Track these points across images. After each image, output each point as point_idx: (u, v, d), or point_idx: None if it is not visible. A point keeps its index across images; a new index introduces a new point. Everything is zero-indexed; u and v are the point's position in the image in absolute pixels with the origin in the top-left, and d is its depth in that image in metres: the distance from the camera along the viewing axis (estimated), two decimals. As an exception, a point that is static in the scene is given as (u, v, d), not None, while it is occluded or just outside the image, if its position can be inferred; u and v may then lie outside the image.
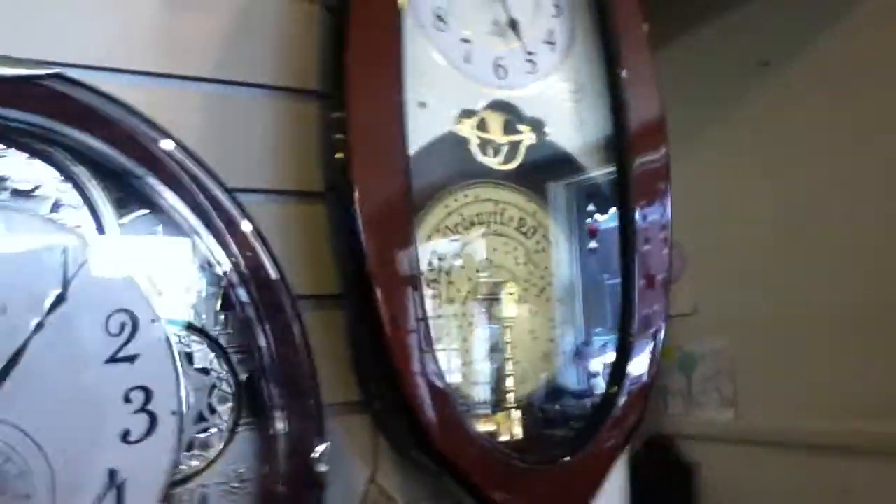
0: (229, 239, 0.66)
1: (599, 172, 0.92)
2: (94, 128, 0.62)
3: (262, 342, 0.67)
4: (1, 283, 0.59)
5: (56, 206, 0.62)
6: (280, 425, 0.67)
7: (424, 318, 0.73)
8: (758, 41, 3.01)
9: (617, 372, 0.87)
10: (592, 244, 0.93)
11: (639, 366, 0.88)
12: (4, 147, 0.60)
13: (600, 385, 0.89)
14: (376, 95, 0.75)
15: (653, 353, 0.89)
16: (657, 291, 0.90)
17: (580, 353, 0.91)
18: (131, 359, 0.62)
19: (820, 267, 2.83)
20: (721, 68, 3.12)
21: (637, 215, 0.89)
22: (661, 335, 0.90)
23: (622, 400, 0.85)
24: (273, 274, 0.68)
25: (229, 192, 0.69)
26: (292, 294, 0.69)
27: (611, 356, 0.89)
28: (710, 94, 3.16)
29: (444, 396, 0.74)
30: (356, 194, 0.71)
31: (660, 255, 0.90)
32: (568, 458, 0.82)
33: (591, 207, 0.92)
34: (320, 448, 0.67)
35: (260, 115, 0.79)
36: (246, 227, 0.67)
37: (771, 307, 2.94)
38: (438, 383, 0.74)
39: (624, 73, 0.90)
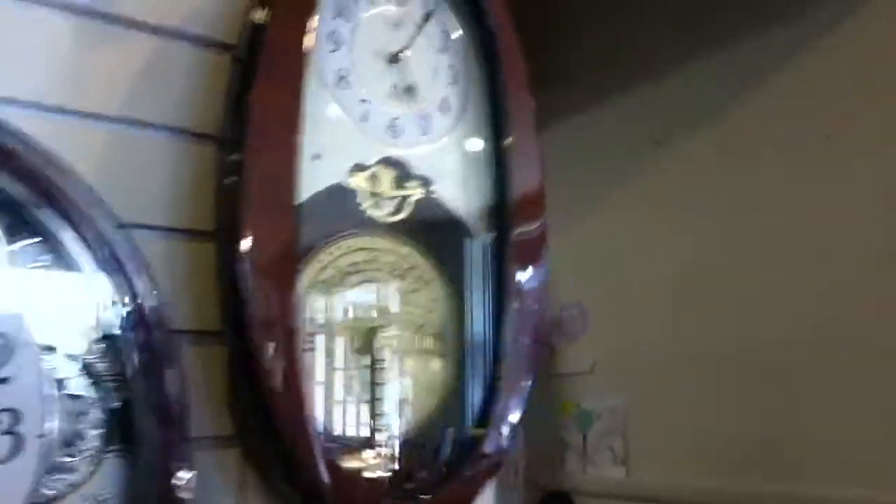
0: (113, 272, 0.69)
1: (481, 230, 0.98)
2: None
3: (135, 372, 0.70)
4: None
5: (-58, 229, 0.64)
6: (148, 453, 0.69)
7: (296, 362, 0.77)
8: (652, 121, 3.19)
9: (484, 414, 0.92)
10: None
11: (504, 411, 0.93)
12: None
13: (469, 425, 0.94)
14: (274, 143, 0.80)
15: (518, 401, 0.94)
16: (526, 349, 0.96)
17: (454, 392, 0.96)
18: (4, 380, 0.64)
19: (706, 321, 2.98)
20: (619, 144, 3.30)
21: (512, 277, 0.95)
22: (527, 388, 0.96)
23: (487, 441, 0.90)
24: (151, 308, 0.71)
25: (122, 226, 0.72)
26: (169, 327, 0.72)
27: (480, 397, 0.94)
28: (610, 164, 3.32)
29: (311, 433, 0.78)
30: (244, 237, 0.75)
31: (531, 316, 0.96)
32: (429, 496, 0.86)
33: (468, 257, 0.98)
34: (186, 476, 0.69)
35: (160, 155, 0.82)
36: (130, 261, 0.70)
37: (663, 362, 3.06)
38: (306, 421, 0.77)
39: (508, 144, 0.97)
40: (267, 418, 0.76)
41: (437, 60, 0.98)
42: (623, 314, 3.29)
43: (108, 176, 0.78)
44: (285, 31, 0.82)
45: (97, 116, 0.79)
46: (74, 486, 0.68)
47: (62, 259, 0.69)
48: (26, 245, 0.68)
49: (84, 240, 0.68)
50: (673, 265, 3.10)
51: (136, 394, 0.70)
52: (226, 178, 0.78)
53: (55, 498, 0.67)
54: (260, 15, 0.83)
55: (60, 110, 0.77)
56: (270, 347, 0.75)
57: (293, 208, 0.79)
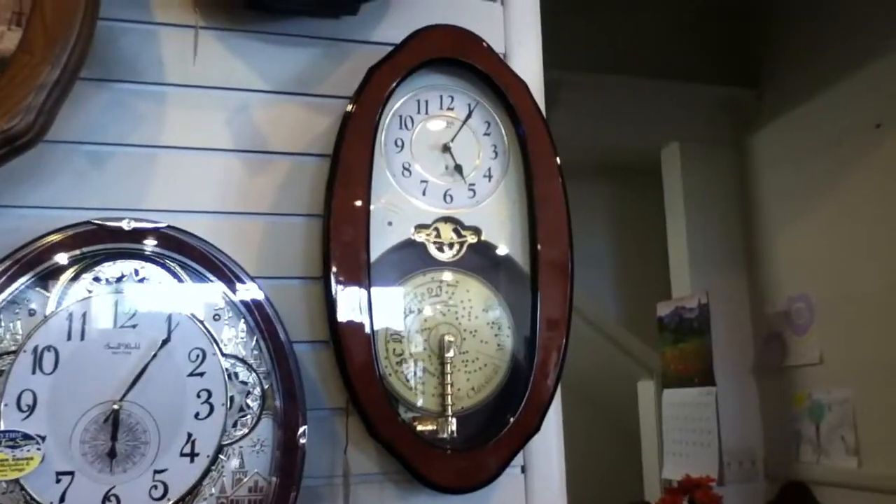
0: (254, 312, 1.20)
1: (520, 263, 1.37)
2: (186, 251, 1.19)
3: (274, 368, 1.20)
4: (138, 332, 1.16)
5: (167, 291, 1.19)
6: (282, 415, 1.19)
7: (370, 359, 1.23)
8: (871, 104, 3.18)
9: (520, 400, 1.30)
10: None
11: (536, 392, 1.30)
12: (143, 261, 1.19)
13: (513, 400, 1.32)
14: (346, 218, 1.26)
15: (551, 383, 1.31)
16: (555, 349, 1.32)
17: (503, 377, 1.35)
18: (202, 374, 1.18)
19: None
20: (838, 131, 3.31)
21: (540, 294, 1.32)
22: (558, 371, 1.32)
23: (522, 410, 1.29)
24: (279, 328, 1.21)
25: (254, 279, 1.23)
26: (290, 340, 1.21)
27: (517, 381, 1.32)
28: (831, 153, 3.35)
29: (389, 407, 1.23)
30: (331, 282, 1.23)
31: (558, 324, 1.32)
32: (480, 447, 1.27)
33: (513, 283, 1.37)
34: (302, 429, 1.18)
35: (293, 232, 1.33)
36: (264, 301, 1.21)
37: (892, 353, 3.05)
38: (385, 398, 1.23)
39: (537, 197, 1.35)
40: (355, 396, 1.22)
41: (482, 141, 1.39)
42: (850, 305, 3.31)
43: (263, 248, 1.30)
44: (360, 130, 1.28)
45: (256, 214, 1.32)
46: (245, 435, 1.19)
47: (229, 305, 1.21)
48: (207, 296, 1.21)
49: (236, 292, 1.20)
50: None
51: (274, 380, 1.20)
52: (324, 243, 1.27)
53: (236, 440, 1.19)
54: (349, 107, 1.30)
55: (232, 213, 1.31)
56: (353, 352, 1.22)
57: (366, 261, 1.25)
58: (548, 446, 1.37)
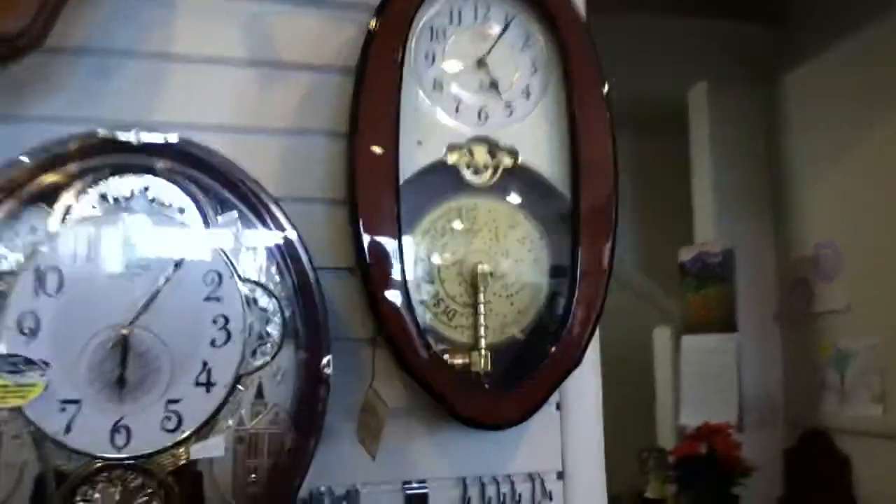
0: (276, 234, 1.11)
1: (559, 188, 1.27)
2: (203, 168, 1.10)
3: (296, 294, 1.12)
4: (149, 254, 1.08)
5: (181, 211, 1.10)
6: (305, 343, 1.11)
7: (404, 282, 1.14)
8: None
9: (558, 331, 1.22)
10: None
11: (574, 329, 1.21)
12: (154, 177, 1.09)
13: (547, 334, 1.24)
14: (378, 136, 1.16)
15: (593, 314, 1.22)
16: (595, 281, 1.23)
17: (539, 310, 1.26)
18: (218, 299, 1.09)
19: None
20: (873, 71, 3.18)
21: (582, 220, 1.23)
22: (601, 303, 1.23)
23: (558, 346, 1.20)
24: (303, 253, 1.12)
25: (277, 201, 1.14)
26: (314, 266, 1.12)
27: (558, 320, 1.24)
28: (866, 95, 3.22)
29: (420, 338, 1.15)
30: (359, 207, 1.14)
31: (598, 254, 1.23)
32: (517, 381, 1.19)
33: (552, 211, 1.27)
34: (326, 358, 1.10)
35: (315, 151, 1.24)
36: (287, 224, 1.12)
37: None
38: (416, 328, 1.14)
39: (578, 117, 1.24)
40: (384, 326, 1.14)
41: (519, 57, 1.28)
42: (879, 253, 3.21)
43: (282, 168, 1.21)
44: (385, 47, 1.18)
45: (274, 131, 1.22)
46: (266, 363, 1.11)
47: (248, 224, 1.12)
48: (227, 217, 1.12)
49: (257, 214, 1.11)
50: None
51: (297, 308, 1.12)
52: (349, 163, 1.17)
53: (256, 369, 1.11)
54: (373, 23, 1.19)
55: (248, 130, 1.21)
56: (380, 277, 1.13)
57: (395, 182, 1.15)
58: (584, 383, 1.28)
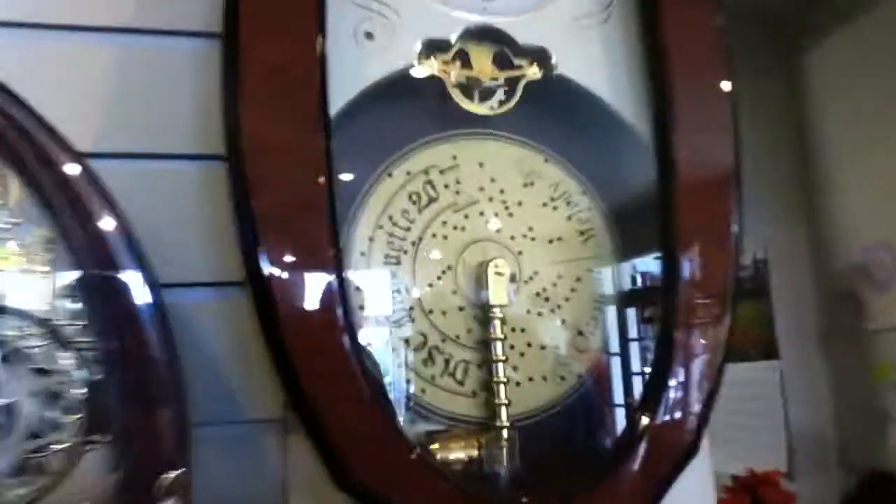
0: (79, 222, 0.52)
1: (630, 115, 0.69)
2: None
3: (110, 335, 0.52)
4: None
5: None
6: (123, 444, 0.51)
7: (344, 308, 0.55)
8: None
9: (652, 390, 0.63)
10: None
11: (684, 384, 0.63)
12: None
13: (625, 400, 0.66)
14: (281, 31, 0.58)
15: (709, 368, 0.64)
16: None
17: (605, 353, 0.68)
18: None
19: None
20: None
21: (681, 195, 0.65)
22: (724, 338, 0.65)
23: (653, 432, 0.61)
24: (130, 262, 0.53)
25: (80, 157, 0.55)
26: (159, 284, 0.53)
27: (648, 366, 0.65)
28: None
29: (387, 421, 0.56)
30: (247, 167, 0.55)
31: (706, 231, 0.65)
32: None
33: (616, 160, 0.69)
34: (171, 476, 0.50)
35: (169, 65, 0.65)
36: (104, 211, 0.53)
37: None
38: (365, 388, 0.55)
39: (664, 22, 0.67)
40: (301, 395, 0.54)
41: None
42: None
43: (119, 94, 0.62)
44: None
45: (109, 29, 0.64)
46: (46, 490, 0.52)
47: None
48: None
49: (35, 185, 0.52)
50: None
51: (115, 363, 0.52)
52: (226, 79, 0.58)
53: (20, 505, 0.51)
54: None
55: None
56: (294, 299, 0.54)
57: (320, 115, 0.57)
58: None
